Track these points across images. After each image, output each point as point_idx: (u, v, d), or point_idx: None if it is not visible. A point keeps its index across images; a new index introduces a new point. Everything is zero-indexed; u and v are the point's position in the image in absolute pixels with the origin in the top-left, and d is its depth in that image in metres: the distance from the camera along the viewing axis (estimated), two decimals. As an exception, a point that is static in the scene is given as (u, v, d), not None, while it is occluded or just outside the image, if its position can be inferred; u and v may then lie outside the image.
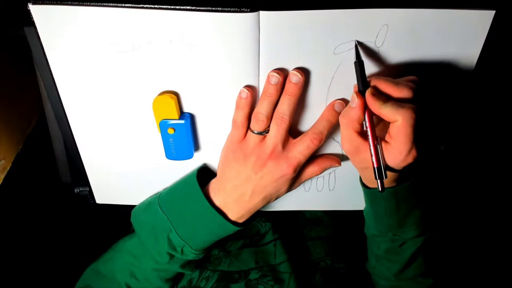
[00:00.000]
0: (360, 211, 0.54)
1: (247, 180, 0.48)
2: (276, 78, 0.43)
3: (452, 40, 0.42)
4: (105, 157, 0.52)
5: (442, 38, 0.42)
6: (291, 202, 0.56)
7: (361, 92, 0.41)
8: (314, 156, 0.50)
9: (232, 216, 0.50)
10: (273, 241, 0.56)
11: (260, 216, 0.58)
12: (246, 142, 0.47)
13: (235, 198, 0.49)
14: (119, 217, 0.60)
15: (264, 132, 0.46)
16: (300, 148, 0.47)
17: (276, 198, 0.51)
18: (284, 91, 0.44)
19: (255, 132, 0.46)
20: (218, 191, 0.50)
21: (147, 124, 0.48)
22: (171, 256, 0.50)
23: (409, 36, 0.42)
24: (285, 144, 0.47)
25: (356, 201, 0.56)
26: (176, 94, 0.46)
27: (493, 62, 0.46)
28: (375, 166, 0.42)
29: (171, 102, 0.45)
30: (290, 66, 0.43)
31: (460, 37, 0.42)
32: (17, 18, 0.45)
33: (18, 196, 0.64)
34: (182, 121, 0.47)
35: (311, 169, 0.50)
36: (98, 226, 0.73)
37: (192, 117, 0.48)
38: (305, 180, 0.51)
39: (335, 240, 0.59)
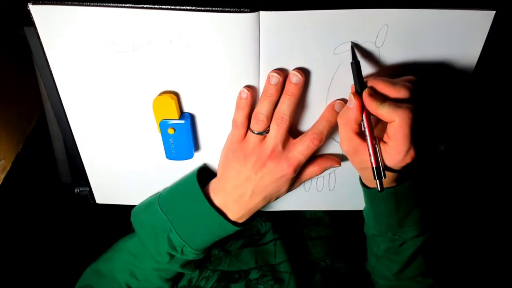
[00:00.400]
0: (360, 211, 0.54)
1: (247, 180, 0.48)
2: (276, 78, 0.43)
3: (452, 41, 0.42)
4: (105, 157, 0.52)
5: (442, 39, 0.42)
6: (291, 202, 0.56)
7: (358, 92, 0.41)
8: (314, 156, 0.49)
9: (232, 216, 0.50)
10: (273, 241, 0.56)
11: (260, 216, 0.58)
12: (246, 142, 0.47)
13: (235, 198, 0.49)
14: (119, 217, 0.60)
15: (264, 132, 0.46)
16: (300, 148, 0.47)
17: (277, 198, 0.51)
18: (284, 91, 0.44)
19: (255, 132, 0.46)
20: (218, 191, 0.50)
21: (147, 124, 0.48)
22: (171, 256, 0.50)
23: (409, 36, 0.42)
24: (285, 144, 0.47)
25: (356, 201, 0.56)
26: (176, 94, 0.46)
27: (493, 62, 0.46)
28: (374, 166, 0.42)
29: (171, 102, 0.45)
30: (290, 66, 0.43)
31: (461, 37, 0.42)
32: (17, 18, 0.45)
33: (18, 196, 0.64)
34: (182, 121, 0.47)
35: (311, 169, 0.50)
36: (98, 226, 0.73)
37: (192, 117, 0.48)
38: (305, 180, 0.51)
39: (335, 240, 0.59)
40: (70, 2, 0.39)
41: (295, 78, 0.43)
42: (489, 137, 0.73)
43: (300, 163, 0.47)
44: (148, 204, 0.53)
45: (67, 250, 0.72)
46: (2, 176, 0.61)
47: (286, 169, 0.47)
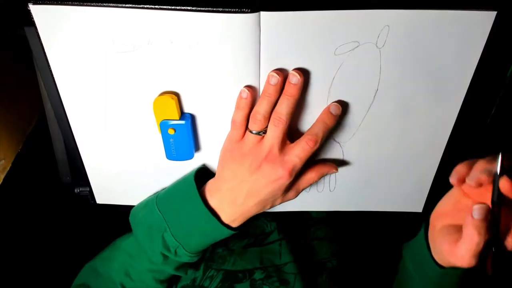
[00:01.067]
0: (362, 212, 0.54)
1: (242, 181, 0.47)
2: (275, 78, 0.43)
3: (453, 41, 0.42)
4: (106, 157, 0.52)
5: (443, 39, 0.42)
6: (291, 203, 0.56)
7: (494, 203, 0.37)
8: (311, 163, 0.49)
9: (225, 218, 0.49)
10: (278, 241, 0.56)
11: (265, 216, 0.58)
12: (243, 143, 0.47)
13: (229, 200, 0.48)
14: (119, 217, 0.60)
15: (262, 132, 0.46)
16: (296, 151, 0.46)
17: (272, 206, 0.50)
18: (284, 91, 0.44)
19: (253, 132, 0.46)
20: (214, 192, 0.49)
21: (148, 125, 0.48)
22: (165, 257, 0.50)
23: (410, 37, 0.42)
24: (282, 146, 0.46)
25: (356, 202, 0.56)
26: (176, 95, 0.45)
27: (494, 63, 0.46)
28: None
29: (171, 102, 0.45)
30: (291, 67, 0.43)
31: (462, 38, 0.42)
32: (17, 18, 0.45)
33: (18, 196, 0.64)
34: (182, 122, 0.46)
35: (308, 176, 0.49)
36: (98, 226, 0.73)
37: (192, 118, 0.48)
38: (303, 188, 0.50)
39: (341, 240, 0.59)
40: (70, 2, 0.39)
41: (294, 78, 0.43)
42: (491, 140, 0.73)
43: (295, 166, 0.46)
44: (147, 203, 0.53)
45: (67, 250, 0.72)
46: (2, 176, 0.61)
47: (281, 173, 0.46)
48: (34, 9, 0.40)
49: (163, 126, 0.47)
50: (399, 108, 0.47)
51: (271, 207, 0.50)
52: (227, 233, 0.49)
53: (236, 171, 0.47)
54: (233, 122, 0.47)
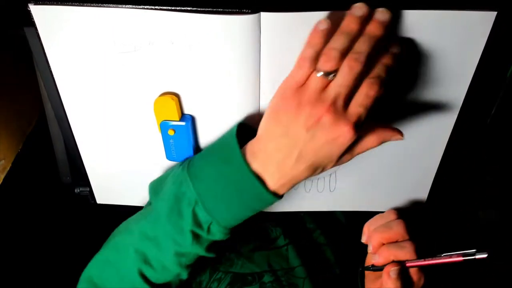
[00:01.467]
0: (362, 212, 0.54)
1: (295, 139, 0.38)
2: (362, 9, 0.36)
3: (453, 41, 0.42)
4: (106, 157, 0.52)
5: (444, 39, 0.42)
6: (291, 203, 0.56)
7: None
8: (372, 126, 0.42)
9: (272, 184, 0.41)
10: (285, 246, 0.55)
11: (270, 221, 0.57)
12: (304, 89, 0.38)
13: (277, 162, 0.40)
14: (119, 217, 0.60)
15: (331, 75, 0.37)
16: (359, 100, 0.37)
17: (322, 171, 0.42)
18: (365, 30, 0.37)
19: (321, 73, 0.37)
20: (257, 153, 0.40)
21: (148, 125, 0.48)
22: (196, 236, 0.43)
23: (410, 38, 0.42)
24: (349, 97, 0.38)
25: (356, 202, 0.56)
26: (177, 95, 0.45)
27: (494, 63, 0.46)
28: None
29: (172, 103, 0.45)
30: (291, 68, 0.43)
31: (462, 38, 0.42)
32: (17, 18, 0.45)
33: (18, 196, 0.64)
34: (182, 123, 0.46)
35: (367, 139, 0.41)
36: (98, 226, 0.73)
37: (193, 119, 0.48)
38: (358, 153, 0.42)
39: (343, 243, 0.59)
40: (70, 3, 0.39)
41: (382, 15, 0.36)
42: (491, 140, 0.73)
43: (360, 117, 0.38)
44: (174, 172, 0.45)
45: (67, 250, 0.72)
46: (2, 176, 0.61)
47: (343, 128, 0.37)
48: (34, 9, 0.40)
49: (163, 126, 0.47)
50: (399, 109, 0.47)
51: (320, 173, 0.42)
52: (272, 201, 0.42)
53: (289, 125, 0.39)
54: (300, 59, 0.38)
